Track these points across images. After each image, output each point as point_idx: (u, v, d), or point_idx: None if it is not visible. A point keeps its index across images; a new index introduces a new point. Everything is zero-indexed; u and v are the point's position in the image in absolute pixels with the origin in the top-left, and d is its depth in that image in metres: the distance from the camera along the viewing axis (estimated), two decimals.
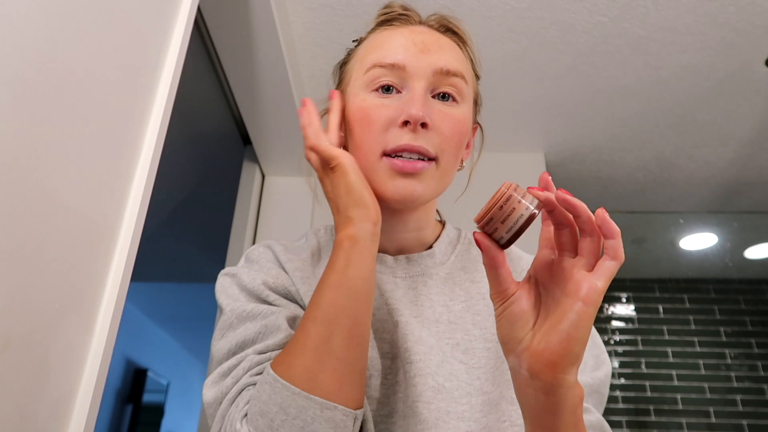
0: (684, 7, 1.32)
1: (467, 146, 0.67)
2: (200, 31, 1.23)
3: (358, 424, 0.47)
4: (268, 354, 0.51)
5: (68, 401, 0.49)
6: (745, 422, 2.33)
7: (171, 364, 4.39)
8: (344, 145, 0.63)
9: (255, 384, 0.49)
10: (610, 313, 2.53)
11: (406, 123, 0.55)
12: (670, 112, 1.70)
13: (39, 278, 0.45)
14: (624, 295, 2.57)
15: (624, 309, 2.54)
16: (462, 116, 0.60)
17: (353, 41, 0.70)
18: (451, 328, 0.58)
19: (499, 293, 0.43)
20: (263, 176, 1.80)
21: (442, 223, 0.69)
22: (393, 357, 0.56)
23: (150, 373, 3.81)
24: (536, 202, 0.41)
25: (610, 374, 0.61)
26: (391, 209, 0.60)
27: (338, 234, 0.53)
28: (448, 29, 0.65)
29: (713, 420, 2.32)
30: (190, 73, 1.28)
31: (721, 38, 1.41)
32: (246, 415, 0.47)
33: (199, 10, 1.15)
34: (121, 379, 3.53)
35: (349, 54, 0.68)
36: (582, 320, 0.39)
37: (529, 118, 1.73)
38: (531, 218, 0.41)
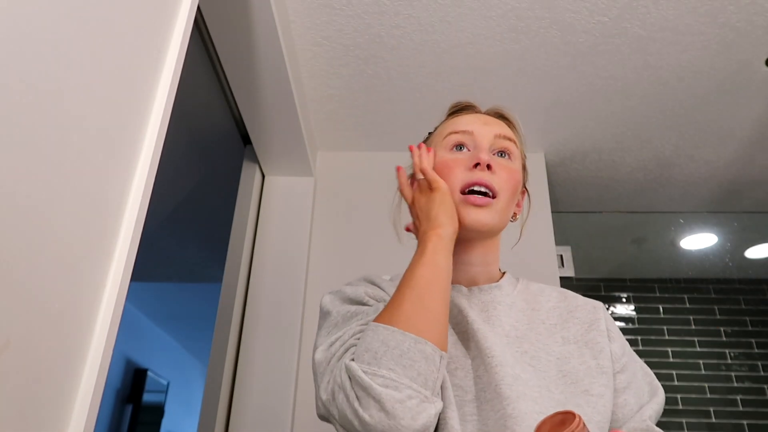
0: (684, 7, 1.32)
1: (518, 204, 0.85)
2: (200, 31, 1.23)
3: (444, 363, 0.60)
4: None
5: (68, 401, 0.49)
6: (745, 422, 2.33)
7: (171, 364, 4.39)
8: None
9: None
10: (610, 313, 2.52)
11: (476, 165, 0.75)
12: (670, 112, 1.70)
13: (39, 278, 0.45)
14: (624, 295, 2.58)
15: (624, 309, 2.54)
16: (515, 168, 0.79)
17: (429, 133, 0.90)
18: (518, 341, 0.71)
19: None
20: (263, 176, 1.80)
21: (504, 272, 0.86)
22: (473, 357, 0.68)
23: (150, 373, 3.81)
24: None
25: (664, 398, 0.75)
26: (464, 241, 0.76)
27: (427, 233, 0.69)
28: (502, 116, 0.85)
29: (713, 420, 2.32)
30: (190, 73, 1.29)
31: (721, 38, 1.41)
32: (353, 358, 0.59)
33: (199, 10, 1.15)
34: (121, 379, 3.53)
35: (427, 139, 0.88)
36: None
37: (529, 118, 1.73)
38: None
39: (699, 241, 2.58)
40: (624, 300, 2.56)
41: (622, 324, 2.48)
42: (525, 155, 0.87)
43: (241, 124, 1.59)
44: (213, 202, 2.13)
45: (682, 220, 2.48)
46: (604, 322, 0.77)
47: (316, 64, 1.52)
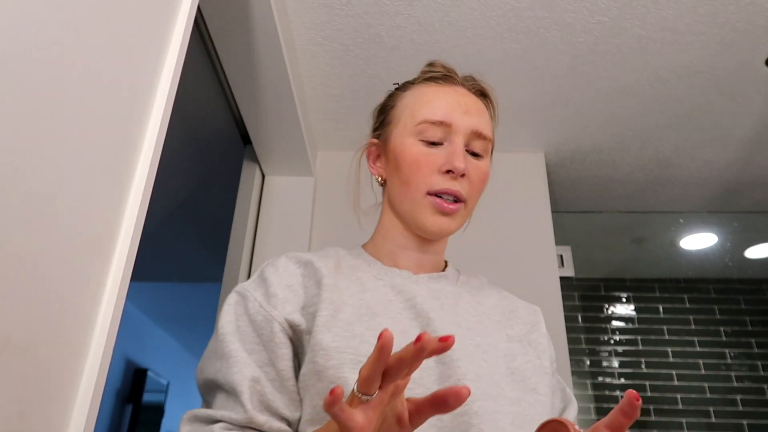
0: (684, 7, 1.32)
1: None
2: (200, 31, 1.23)
3: None
4: None
5: (68, 401, 0.49)
6: (745, 422, 2.33)
7: (171, 364, 4.39)
8: (384, 174, 0.79)
9: None
10: (610, 313, 2.53)
11: (449, 171, 0.69)
12: (670, 112, 1.70)
13: (39, 278, 0.45)
14: (624, 295, 2.58)
15: (624, 309, 2.54)
16: (487, 168, 0.75)
17: (394, 84, 0.83)
18: (471, 333, 0.68)
19: None
20: (263, 176, 1.80)
21: (446, 261, 0.82)
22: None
23: (150, 373, 3.81)
24: None
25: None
26: (421, 237, 0.74)
27: None
28: (481, 93, 0.79)
29: (713, 420, 2.32)
30: (190, 73, 1.29)
31: (721, 38, 1.41)
32: None
33: (199, 10, 1.15)
34: (121, 379, 3.53)
35: (392, 97, 0.81)
36: None
37: (529, 118, 1.73)
38: None
39: (699, 241, 2.58)
40: (624, 300, 2.57)
41: (622, 324, 2.48)
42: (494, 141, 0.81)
43: (241, 124, 1.59)
44: (213, 202, 2.13)
45: (682, 220, 2.48)
46: (543, 326, 0.76)
47: (316, 64, 1.52)
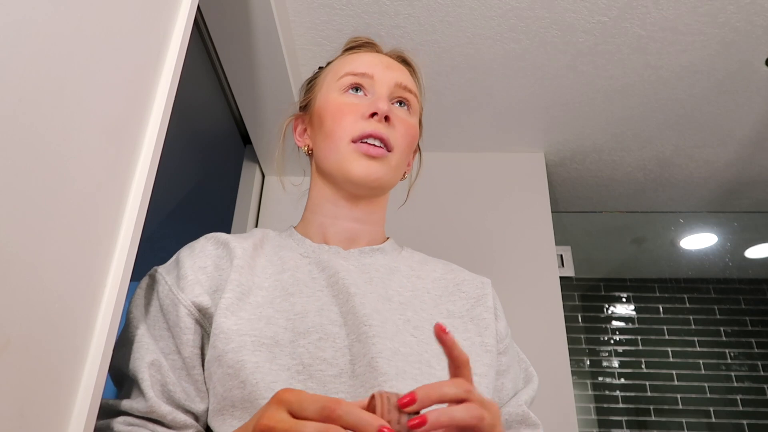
0: (684, 7, 1.32)
1: (408, 164, 0.78)
2: (200, 31, 1.23)
3: None
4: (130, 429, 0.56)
5: (68, 401, 0.49)
6: (745, 422, 2.33)
7: None
8: (310, 143, 0.77)
9: None
10: (610, 313, 2.53)
11: (373, 114, 0.68)
12: (670, 112, 1.70)
13: (39, 278, 0.45)
14: (624, 295, 2.57)
15: (624, 309, 2.54)
16: (414, 123, 0.74)
17: (319, 67, 0.83)
18: (402, 308, 0.64)
19: None
20: (263, 176, 1.80)
21: (388, 237, 0.79)
22: (347, 324, 0.60)
23: None
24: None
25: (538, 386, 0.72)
26: (350, 197, 0.70)
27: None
28: (404, 61, 0.79)
29: (713, 420, 2.32)
30: (190, 73, 1.29)
31: (721, 38, 1.41)
32: None
33: (199, 9, 1.15)
34: None
35: (318, 73, 0.81)
36: None
37: (529, 118, 1.73)
38: None
39: (699, 241, 2.58)
40: (624, 300, 2.56)
41: (622, 324, 2.48)
42: (422, 107, 0.80)
43: (241, 124, 1.59)
44: (213, 202, 2.13)
45: (682, 220, 2.48)
46: (492, 299, 0.71)
47: (316, 64, 1.52)
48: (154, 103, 0.64)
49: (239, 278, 0.62)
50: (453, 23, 1.38)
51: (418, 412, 0.41)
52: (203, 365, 0.60)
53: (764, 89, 1.59)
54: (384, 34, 1.41)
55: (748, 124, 1.75)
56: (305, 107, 0.79)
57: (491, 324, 0.68)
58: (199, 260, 0.65)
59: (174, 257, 0.68)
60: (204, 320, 0.61)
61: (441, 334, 0.44)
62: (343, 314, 0.61)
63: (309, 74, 1.58)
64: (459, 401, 0.42)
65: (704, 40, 1.41)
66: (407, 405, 0.40)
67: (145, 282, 0.66)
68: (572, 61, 1.49)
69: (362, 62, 0.73)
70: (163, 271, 0.66)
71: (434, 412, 0.40)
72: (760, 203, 2.22)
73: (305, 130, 0.79)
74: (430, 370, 0.59)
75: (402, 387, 0.55)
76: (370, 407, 0.41)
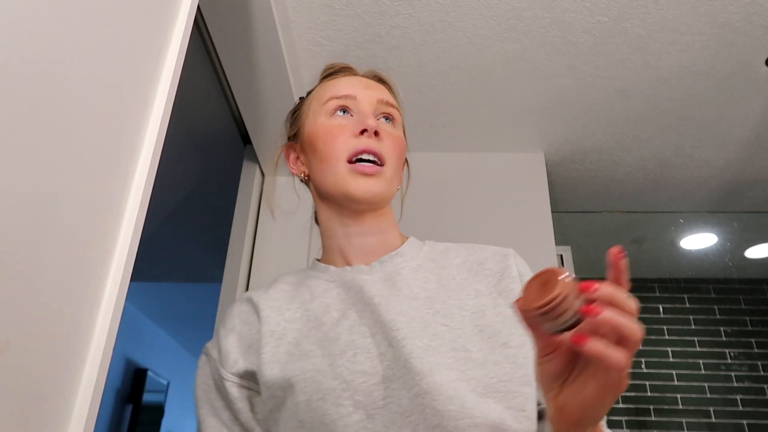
0: (684, 7, 1.32)
1: (400, 177, 0.80)
2: (200, 31, 1.23)
3: None
4: None
5: (68, 401, 0.49)
6: (745, 422, 2.33)
7: (171, 364, 4.39)
8: (306, 170, 0.78)
9: None
10: None
11: (363, 131, 0.71)
12: (670, 112, 1.70)
13: (39, 278, 0.45)
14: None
15: None
16: (401, 136, 0.77)
17: (300, 98, 0.85)
18: (429, 302, 0.66)
19: (540, 349, 0.48)
20: (263, 176, 1.80)
21: (407, 237, 0.81)
22: (374, 334, 0.62)
23: (150, 373, 3.81)
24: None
25: None
26: (354, 214, 0.73)
27: None
28: (380, 80, 0.82)
29: (713, 420, 2.32)
30: (190, 73, 1.28)
31: (721, 38, 1.41)
32: None
33: (199, 9, 1.15)
34: (121, 379, 3.53)
35: (300, 103, 0.83)
36: (605, 389, 0.43)
37: (529, 118, 1.73)
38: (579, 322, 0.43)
39: (699, 241, 2.59)
40: None
41: None
42: (404, 123, 0.83)
43: (241, 124, 1.59)
44: (213, 202, 2.13)
45: (682, 220, 2.48)
46: (516, 268, 0.72)
47: (316, 64, 1.51)
48: (154, 103, 0.64)
49: (270, 327, 0.67)
50: (453, 23, 1.38)
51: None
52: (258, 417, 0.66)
53: (764, 89, 1.59)
54: (384, 34, 1.41)
55: (748, 124, 1.75)
56: (294, 137, 0.82)
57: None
58: (228, 323, 0.70)
59: (216, 326, 0.75)
60: (250, 382, 0.66)
61: (616, 261, 0.46)
62: (371, 325, 0.63)
63: (309, 74, 1.59)
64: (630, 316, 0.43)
65: (704, 40, 1.41)
66: (589, 290, 0.43)
67: (201, 360, 0.72)
68: (572, 61, 1.49)
69: (343, 85, 0.77)
70: (210, 347, 0.71)
71: (611, 310, 0.42)
72: (760, 203, 2.22)
73: (298, 157, 0.81)
74: (465, 354, 0.60)
75: (439, 380, 0.56)
76: (550, 283, 0.43)
